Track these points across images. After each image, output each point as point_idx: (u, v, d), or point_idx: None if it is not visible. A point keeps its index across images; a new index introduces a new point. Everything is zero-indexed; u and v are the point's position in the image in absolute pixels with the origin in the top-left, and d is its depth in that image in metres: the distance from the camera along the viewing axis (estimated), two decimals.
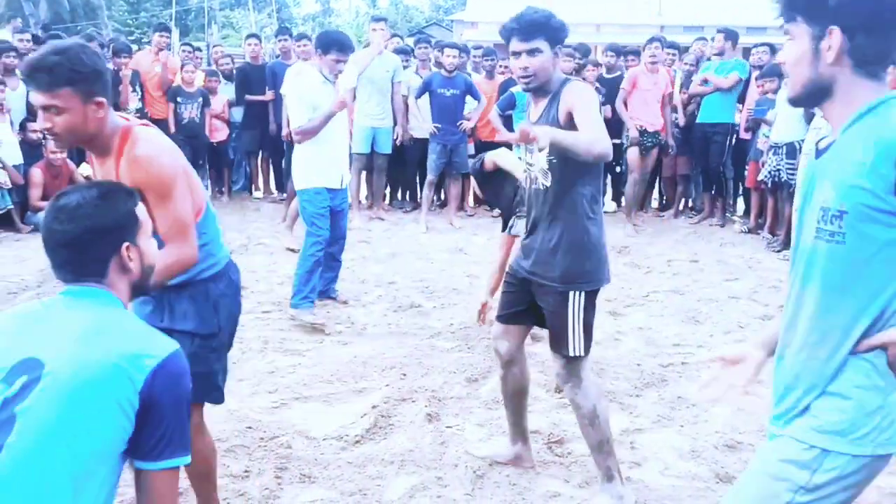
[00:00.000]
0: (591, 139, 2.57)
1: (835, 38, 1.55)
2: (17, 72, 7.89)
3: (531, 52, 2.77)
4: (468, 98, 8.01)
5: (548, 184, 2.84)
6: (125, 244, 1.72)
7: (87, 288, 1.68)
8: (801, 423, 1.66)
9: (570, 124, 2.71)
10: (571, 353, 2.91)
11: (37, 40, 9.17)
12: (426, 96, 7.97)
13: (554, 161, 2.79)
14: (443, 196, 8.91)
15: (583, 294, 2.89)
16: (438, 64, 8.28)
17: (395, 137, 8.17)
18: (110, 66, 8.47)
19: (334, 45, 4.87)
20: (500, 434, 3.51)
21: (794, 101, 1.71)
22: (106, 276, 1.70)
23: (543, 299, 2.95)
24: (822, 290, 1.62)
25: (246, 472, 3.11)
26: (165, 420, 1.58)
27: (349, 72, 6.51)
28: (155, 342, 1.63)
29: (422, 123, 8.16)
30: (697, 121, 8.08)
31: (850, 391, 1.60)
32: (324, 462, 3.24)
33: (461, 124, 8.02)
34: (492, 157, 4.11)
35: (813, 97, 1.65)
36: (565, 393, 3.03)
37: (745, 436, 3.54)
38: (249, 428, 3.49)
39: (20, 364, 1.52)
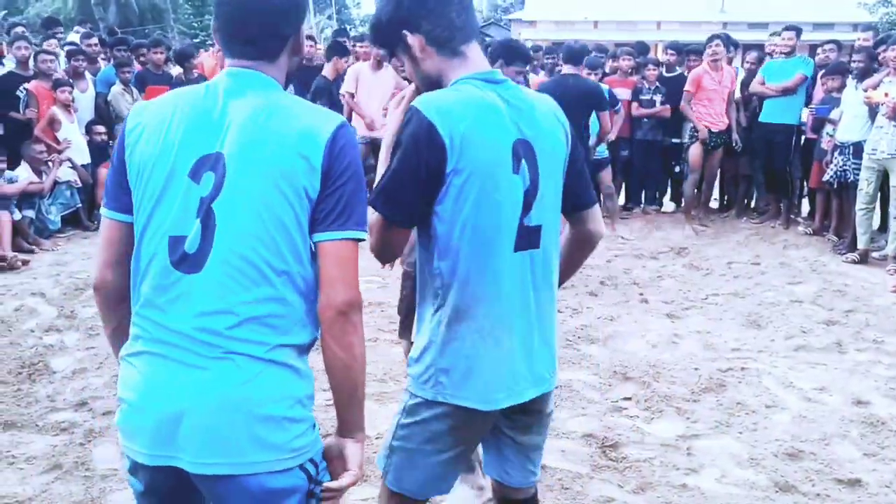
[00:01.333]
0: None
1: (410, 38, 1.79)
2: (87, 74, 8.16)
3: None
4: None
5: None
6: (303, 23, 1.68)
7: (249, 72, 1.60)
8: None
9: None
10: None
11: (103, 44, 9.47)
12: None
13: None
14: None
15: None
16: None
17: None
18: (177, 70, 8.70)
19: (519, 56, 4.81)
20: (552, 437, 3.48)
21: None
22: (279, 56, 1.63)
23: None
24: None
25: None
26: (346, 191, 1.53)
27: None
28: (322, 117, 1.59)
29: None
30: (759, 120, 7.87)
31: (418, 341, 1.88)
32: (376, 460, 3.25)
33: None
34: None
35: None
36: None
37: (806, 444, 3.45)
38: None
39: (204, 159, 1.51)
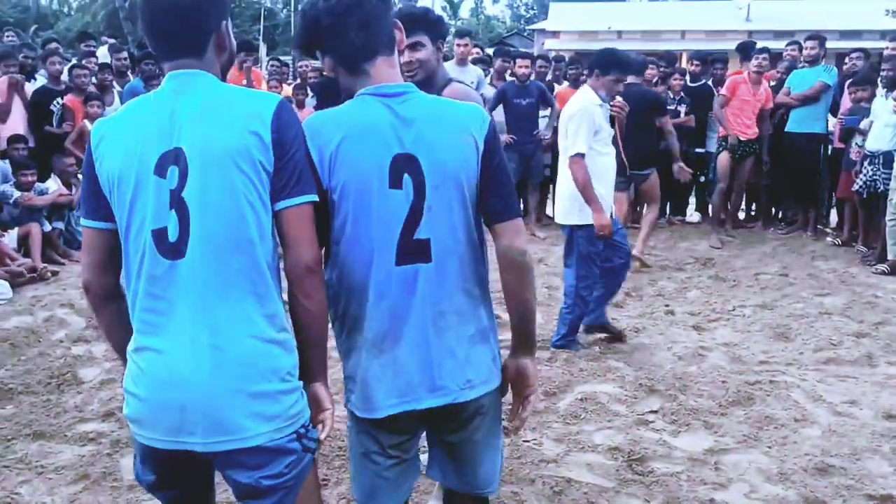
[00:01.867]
0: None
1: (322, 60, 1.90)
2: (115, 87, 8.28)
3: (413, 47, 2.67)
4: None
5: None
6: (224, 21, 1.77)
7: (188, 72, 1.71)
8: None
9: None
10: None
11: (132, 58, 9.60)
12: (500, 107, 7.97)
13: None
14: (522, 206, 8.88)
15: None
16: (512, 74, 8.28)
17: None
18: None
19: (616, 65, 4.71)
20: (577, 450, 3.46)
21: None
22: (205, 53, 1.73)
23: None
24: None
25: (324, 480, 3.15)
26: (294, 157, 1.70)
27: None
28: (262, 96, 1.75)
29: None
30: (786, 130, 7.80)
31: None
32: None
33: (537, 133, 8.02)
34: None
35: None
36: None
37: (836, 459, 3.39)
38: (328, 437, 3.52)
39: (165, 155, 1.65)
